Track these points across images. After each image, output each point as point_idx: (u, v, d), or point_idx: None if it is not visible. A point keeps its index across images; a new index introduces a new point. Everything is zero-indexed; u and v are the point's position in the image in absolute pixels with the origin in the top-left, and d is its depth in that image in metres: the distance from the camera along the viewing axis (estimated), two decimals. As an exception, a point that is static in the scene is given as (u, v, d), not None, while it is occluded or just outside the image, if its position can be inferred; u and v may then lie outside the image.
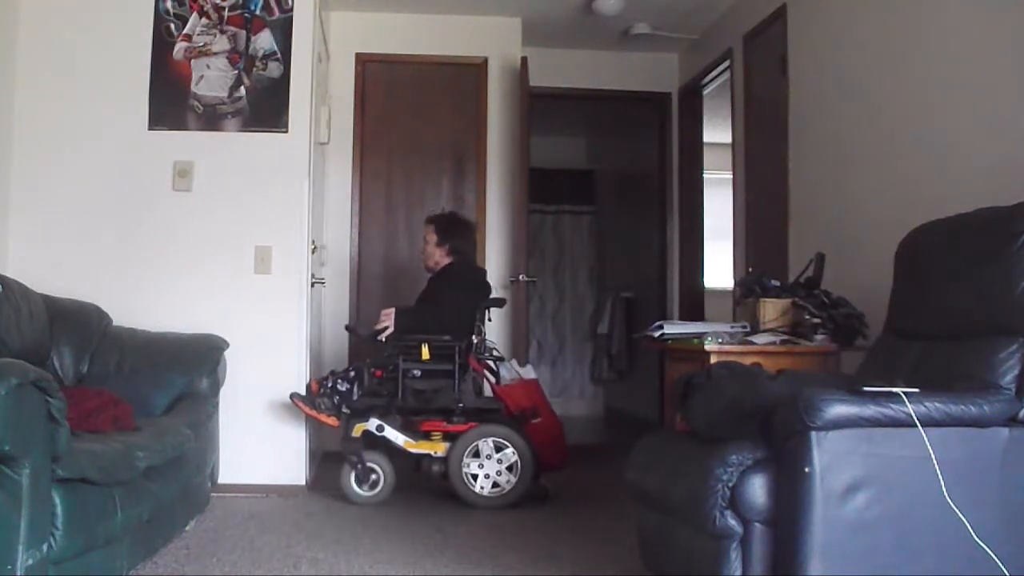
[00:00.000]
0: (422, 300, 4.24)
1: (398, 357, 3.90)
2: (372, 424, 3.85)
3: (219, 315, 3.99)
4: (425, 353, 3.91)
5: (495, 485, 3.86)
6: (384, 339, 3.98)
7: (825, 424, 2.03)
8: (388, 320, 4.00)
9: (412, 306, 4.19)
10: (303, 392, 3.94)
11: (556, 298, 8.14)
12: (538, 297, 7.95)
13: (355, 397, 3.90)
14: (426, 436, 3.92)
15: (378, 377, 3.94)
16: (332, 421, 3.85)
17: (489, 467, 3.86)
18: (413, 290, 4.52)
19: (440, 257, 4.25)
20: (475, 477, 3.85)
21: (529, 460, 3.87)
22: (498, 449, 3.87)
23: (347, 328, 4.63)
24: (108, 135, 4.08)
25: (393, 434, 3.88)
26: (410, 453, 3.92)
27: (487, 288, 4.33)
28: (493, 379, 4.11)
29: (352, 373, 3.95)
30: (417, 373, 3.91)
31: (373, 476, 3.89)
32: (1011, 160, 2.85)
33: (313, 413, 3.83)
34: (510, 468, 3.86)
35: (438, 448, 3.89)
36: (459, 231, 4.33)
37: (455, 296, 4.10)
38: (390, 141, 5.45)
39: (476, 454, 3.85)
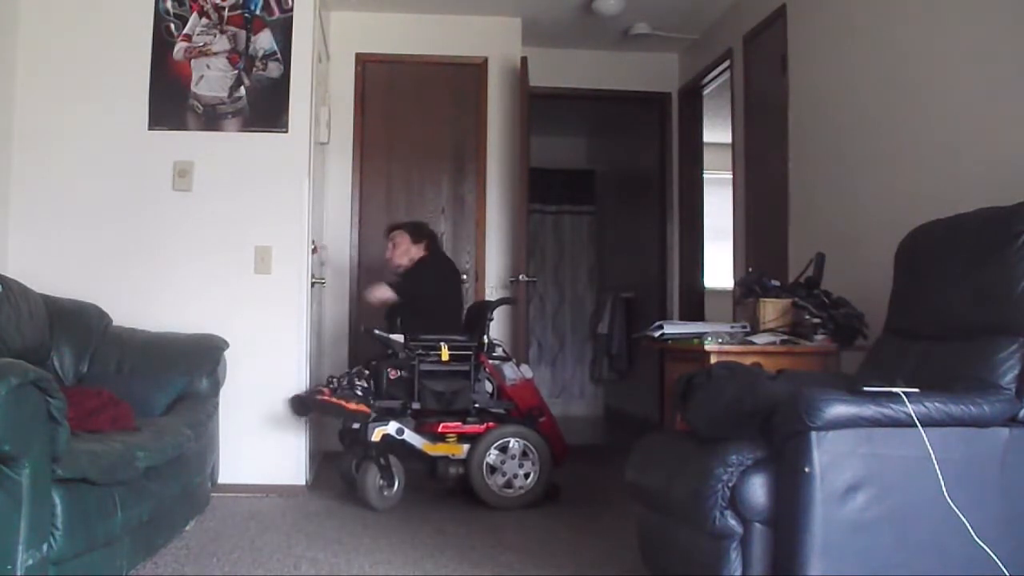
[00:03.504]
0: (408, 293, 4.24)
1: (415, 358, 3.86)
2: (392, 428, 3.75)
3: (219, 315, 3.98)
4: (444, 354, 3.89)
5: (514, 485, 3.86)
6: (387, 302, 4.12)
7: (825, 424, 2.02)
8: (383, 293, 4.12)
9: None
10: (299, 398, 3.89)
11: (556, 298, 8.14)
12: (538, 297, 7.95)
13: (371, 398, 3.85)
14: (442, 438, 3.87)
15: (391, 378, 3.87)
16: (364, 408, 3.74)
17: (509, 467, 3.85)
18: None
19: (415, 252, 4.35)
20: (495, 478, 3.83)
21: (547, 459, 3.88)
22: (514, 449, 3.86)
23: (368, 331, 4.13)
24: (108, 135, 4.08)
25: (412, 437, 3.81)
26: (428, 456, 3.86)
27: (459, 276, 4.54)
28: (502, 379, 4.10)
29: (367, 372, 3.89)
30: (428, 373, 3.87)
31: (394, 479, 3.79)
32: (1011, 160, 2.85)
33: (341, 402, 3.73)
34: (529, 467, 3.87)
35: (456, 450, 3.85)
36: (427, 231, 4.48)
37: (432, 283, 4.27)
38: (390, 141, 5.45)
39: (496, 455, 3.85)
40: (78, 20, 4.11)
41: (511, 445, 3.86)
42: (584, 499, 4.09)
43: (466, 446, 3.84)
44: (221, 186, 4.11)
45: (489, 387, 4.03)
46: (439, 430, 3.87)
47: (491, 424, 3.89)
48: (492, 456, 3.83)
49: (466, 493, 3.90)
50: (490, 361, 4.07)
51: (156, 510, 2.79)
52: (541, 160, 6.71)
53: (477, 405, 3.92)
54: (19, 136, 3.97)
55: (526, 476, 3.87)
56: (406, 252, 4.34)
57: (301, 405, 3.88)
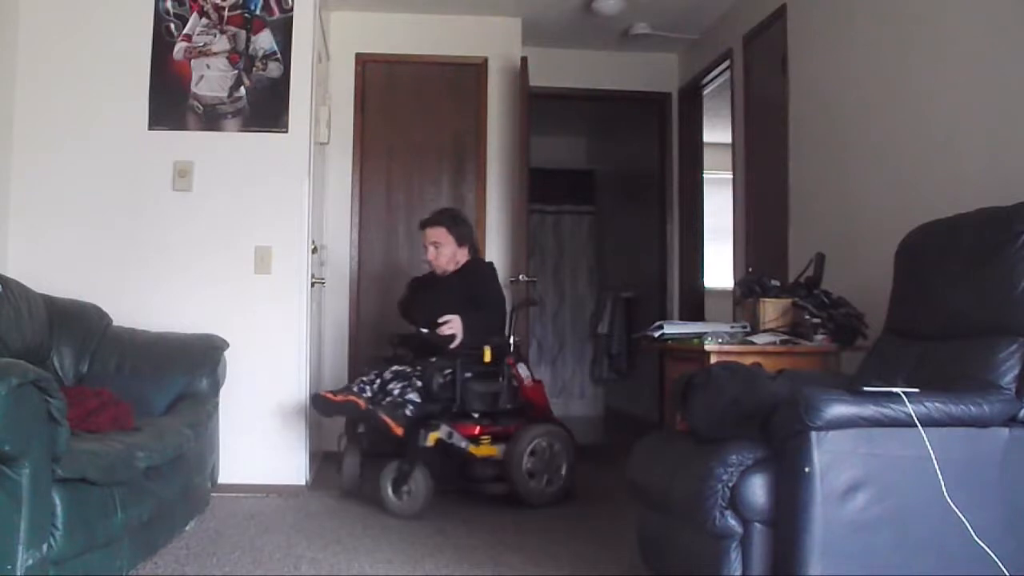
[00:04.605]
0: (466, 300, 4.05)
1: (456, 360, 3.81)
2: (444, 432, 3.72)
3: (219, 315, 3.98)
4: (488, 355, 3.88)
5: (541, 481, 3.89)
6: (452, 347, 3.89)
7: (825, 424, 2.03)
8: (455, 328, 3.90)
9: (473, 311, 4.00)
10: (327, 400, 3.77)
11: (556, 298, 8.14)
12: (538, 297, 7.95)
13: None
14: (477, 440, 3.86)
15: (442, 383, 3.80)
16: (400, 430, 3.66)
17: (539, 465, 3.88)
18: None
19: (461, 256, 4.21)
20: (530, 476, 3.86)
21: (574, 456, 3.94)
22: (548, 447, 3.90)
23: (420, 332, 4.02)
24: (108, 135, 4.08)
25: (458, 439, 3.78)
26: (472, 457, 3.86)
27: None
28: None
29: (419, 382, 3.78)
30: (468, 375, 3.84)
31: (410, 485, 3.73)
32: (1011, 160, 2.85)
33: (392, 424, 3.61)
34: (558, 465, 3.91)
35: (492, 452, 3.87)
36: (467, 227, 4.31)
37: (498, 291, 4.18)
38: (390, 141, 5.45)
39: (531, 454, 3.87)
40: (78, 20, 4.10)
41: (542, 444, 3.89)
42: (584, 499, 4.09)
43: (500, 447, 3.86)
44: (221, 186, 4.11)
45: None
46: (477, 432, 3.86)
47: (518, 425, 3.92)
48: (542, 442, 3.86)
49: (502, 496, 3.90)
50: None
51: (156, 510, 2.79)
52: (541, 160, 6.70)
53: (509, 406, 3.94)
54: (19, 136, 3.97)
55: (554, 474, 3.91)
56: (452, 258, 4.19)
57: (327, 406, 3.76)
